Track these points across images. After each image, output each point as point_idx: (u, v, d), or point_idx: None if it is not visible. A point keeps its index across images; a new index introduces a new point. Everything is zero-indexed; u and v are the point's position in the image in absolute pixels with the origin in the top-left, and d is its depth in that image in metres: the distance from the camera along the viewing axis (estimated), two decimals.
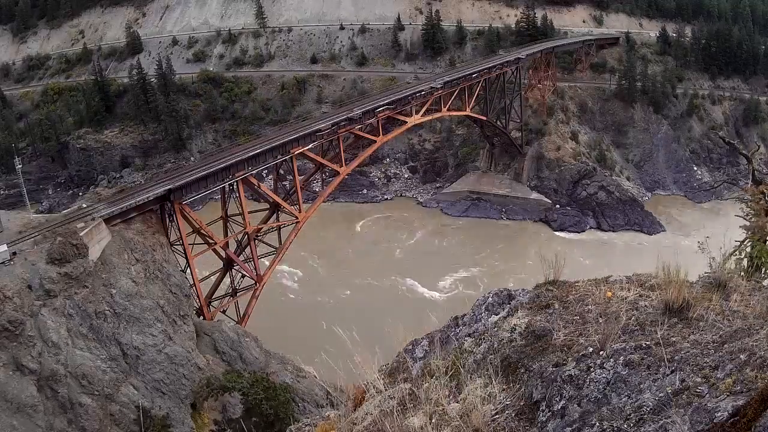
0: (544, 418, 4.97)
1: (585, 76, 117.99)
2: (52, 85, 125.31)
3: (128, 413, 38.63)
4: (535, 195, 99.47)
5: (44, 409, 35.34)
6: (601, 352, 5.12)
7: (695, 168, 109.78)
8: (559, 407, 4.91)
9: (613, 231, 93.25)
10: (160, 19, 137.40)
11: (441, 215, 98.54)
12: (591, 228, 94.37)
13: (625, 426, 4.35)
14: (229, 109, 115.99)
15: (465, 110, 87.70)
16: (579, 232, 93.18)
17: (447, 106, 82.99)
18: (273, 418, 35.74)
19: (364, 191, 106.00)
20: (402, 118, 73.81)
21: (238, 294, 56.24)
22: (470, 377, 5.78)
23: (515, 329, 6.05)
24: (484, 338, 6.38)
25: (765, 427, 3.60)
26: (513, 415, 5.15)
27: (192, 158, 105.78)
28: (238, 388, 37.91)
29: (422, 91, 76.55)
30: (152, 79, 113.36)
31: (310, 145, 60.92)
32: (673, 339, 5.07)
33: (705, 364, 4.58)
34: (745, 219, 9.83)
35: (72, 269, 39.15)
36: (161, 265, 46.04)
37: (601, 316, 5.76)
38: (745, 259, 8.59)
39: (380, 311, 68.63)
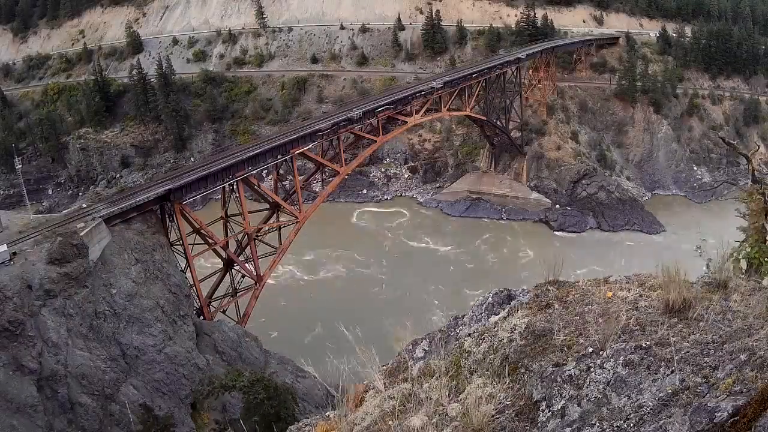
0: (544, 418, 4.97)
1: (585, 76, 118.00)
2: (52, 85, 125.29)
3: (128, 413, 38.61)
4: (535, 195, 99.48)
5: (44, 409, 35.33)
6: (601, 352, 5.12)
7: (695, 168, 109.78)
8: (559, 407, 4.91)
9: (613, 231, 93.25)
10: (161, 18, 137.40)
11: (441, 215, 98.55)
12: (591, 228, 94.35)
13: (625, 426, 4.35)
14: (230, 109, 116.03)
15: (465, 110, 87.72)
16: (579, 232, 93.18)
17: (447, 106, 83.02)
18: (274, 418, 35.70)
19: (364, 191, 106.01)
20: (402, 118, 73.81)
21: (238, 294, 56.21)
22: (470, 377, 5.78)
23: (515, 329, 6.05)
24: (484, 338, 6.37)
25: (765, 427, 3.61)
26: (513, 415, 5.15)
27: (192, 158, 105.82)
28: (238, 387, 37.88)
29: (422, 91, 76.58)
30: (152, 79, 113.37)
31: (310, 145, 60.90)
32: (673, 339, 5.07)
33: (705, 364, 4.58)
34: (744, 219, 9.82)
35: (72, 269, 39.14)
36: (161, 265, 46.03)
37: (601, 316, 5.76)
38: (744, 260, 8.58)
39: (381, 311, 68.63)
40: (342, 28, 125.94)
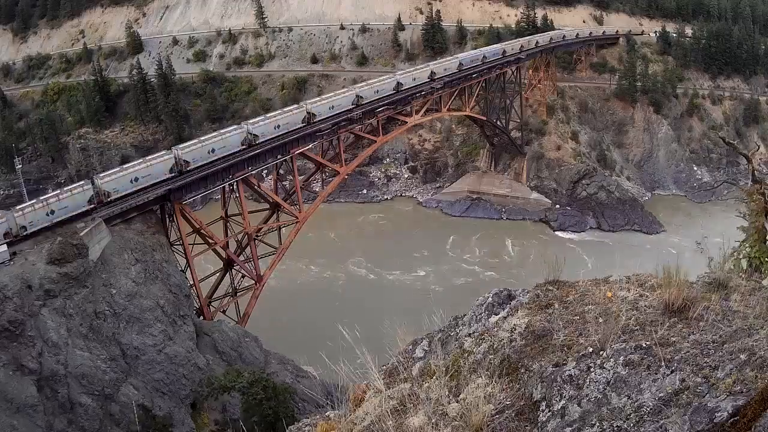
0: (544, 418, 4.97)
1: (585, 76, 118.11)
2: (52, 85, 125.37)
3: (128, 413, 38.62)
4: (535, 195, 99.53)
5: (44, 409, 35.32)
6: (601, 352, 5.12)
7: (695, 168, 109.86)
8: (559, 407, 4.91)
9: (613, 231, 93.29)
10: (161, 19, 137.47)
11: (441, 215, 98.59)
12: (591, 228, 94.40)
13: (625, 426, 4.35)
14: (230, 109, 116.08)
15: (465, 110, 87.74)
16: (579, 232, 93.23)
17: (447, 106, 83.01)
18: (273, 418, 35.70)
19: (364, 191, 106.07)
20: (402, 118, 73.78)
21: (238, 294, 56.21)
22: (470, 377, 5.78)
23: (515, 329, 6.05)
24: (484, 338, 6.37)
25: (765, 427, 3.61)
26: (513, 415, 5.15)
27: None
28: (237, 387, 37.86)
29: (422, 91, 76.52)
30: (152, 79, 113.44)
31: (310, 145, 60.89)
32: (673, 339, 5.07)
33: (705, 364, 4.58)
34: (744, 219, 9.85)
35: (72, 269, 39.12)
36: (161, 265, 46.00)
37: (601, 316, 5.76)
38: (744, 260, 8.60)
39: (380, 311, 68.59)
40: (342, 28, 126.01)
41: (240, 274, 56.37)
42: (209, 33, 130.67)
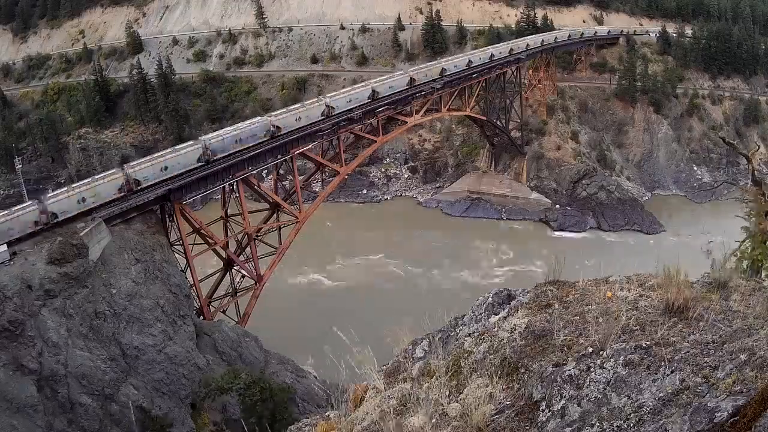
0: (544, 418, 4.97)
1: (585, 76, 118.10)
2: (52, 85, 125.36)
3: (128, 413, 38.61)
4: (535, 195, 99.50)
5: (44, 409, 35.32)
6: (601, 352, 5.12)
7: (695, 168, 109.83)
8: (559, 407, 4.91)
9: (613, 231, 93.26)
10: (161, 19, 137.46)
11: (441, 215, 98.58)
12: (591, 228, 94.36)
13: (625, 426, 4.35)
14: (230, 109, 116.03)
15: (465, 110, 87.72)
16: (579, 232, 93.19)
17: (447, 106, 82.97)
18: (270, 419, 35.69)
19: (364, 191, 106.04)
20: (402, 118, 73.75)
21: (238, 294, 56.21)
22: (470, 377, 5.78)
23: (515, 329, 6.05)
24: (484, 338, 6.37)
25: (765, 427, 3.61)
26: (513, 415, 5.15)
27: None
28: (234, 389, 37.84)
29: (422, 90, 76.49)
30: (152, 79, 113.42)
31: (310, 145, 60.89)
32: (673, 339, 5.07)
33: (705, 364, 4.58)
34: (745, 219, 9.85)
35: (72, 269, 39.13)
36: (161, 265, 46.00)
37: (601, 316, 5.76)
38: (746, 260, 8.60)
39: (381, 311, 68.57)
40: (342, 28, 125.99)
41: (240, 274, 56.38)
42: (209, 33, 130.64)
